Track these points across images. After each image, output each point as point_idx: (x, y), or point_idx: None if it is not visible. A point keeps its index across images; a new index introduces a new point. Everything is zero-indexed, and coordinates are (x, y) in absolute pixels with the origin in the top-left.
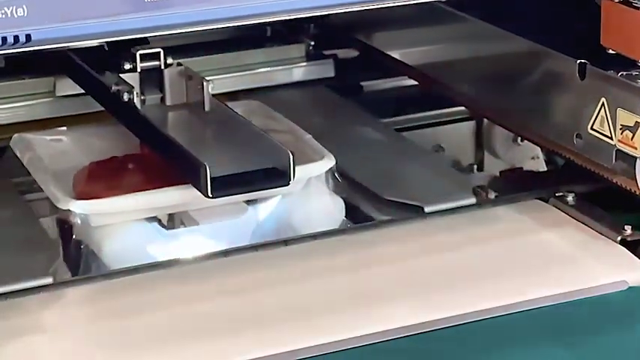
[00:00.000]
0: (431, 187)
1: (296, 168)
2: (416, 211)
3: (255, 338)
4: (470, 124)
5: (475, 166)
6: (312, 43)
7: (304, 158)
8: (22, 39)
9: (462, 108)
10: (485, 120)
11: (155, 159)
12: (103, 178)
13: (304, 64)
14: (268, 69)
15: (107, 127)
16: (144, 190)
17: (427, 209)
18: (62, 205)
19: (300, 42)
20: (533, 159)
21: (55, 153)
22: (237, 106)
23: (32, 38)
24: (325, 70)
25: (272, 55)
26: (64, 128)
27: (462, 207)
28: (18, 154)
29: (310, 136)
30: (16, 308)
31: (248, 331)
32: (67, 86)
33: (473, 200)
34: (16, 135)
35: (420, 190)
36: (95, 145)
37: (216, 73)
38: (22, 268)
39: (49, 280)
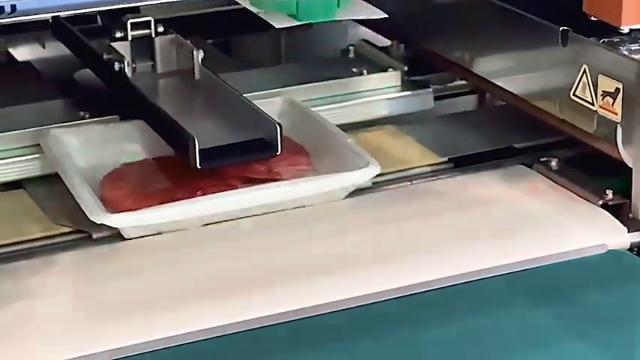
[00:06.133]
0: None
1: (340, 176)
2: None
3: (252, 299)
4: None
5: None
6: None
7: (348, 165)
8: (8, 9)
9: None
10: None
11: (185, 162)
12: (132, 184)
13: (400, 94)
14: (361, 100)
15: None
16: (172, 198)
17: None
18: (96, 220)
19: (393, 68)
20: None
21: (84, 149)
22: (275, 104)
23: (17, 8)
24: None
25: (364, 85)
26: (96, 125)
27: None
28: (45, 151)
29: (352, 139)
30: (7, 273)
31: (246, 293)
32: None
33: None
34: (45, 131)
35: None
36: (127, 143)
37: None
38: None
39: None
